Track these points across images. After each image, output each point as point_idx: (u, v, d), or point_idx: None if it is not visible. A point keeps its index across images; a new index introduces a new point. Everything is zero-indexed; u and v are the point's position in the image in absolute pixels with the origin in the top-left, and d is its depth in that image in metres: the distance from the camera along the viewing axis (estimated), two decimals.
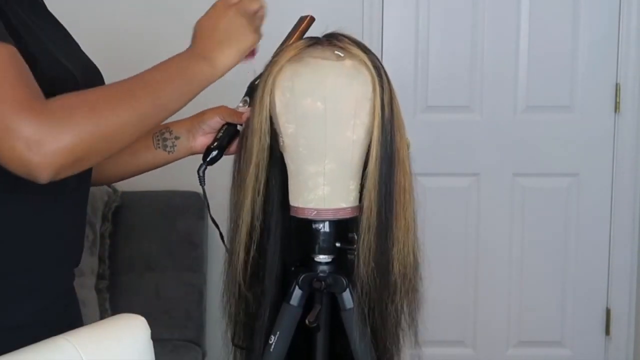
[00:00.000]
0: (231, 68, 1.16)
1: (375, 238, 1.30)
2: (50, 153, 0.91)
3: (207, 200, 1.37)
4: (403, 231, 1.32)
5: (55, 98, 0.95)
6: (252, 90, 1.34)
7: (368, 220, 1.30)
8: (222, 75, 1.16)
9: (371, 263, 1.30)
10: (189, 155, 1.38)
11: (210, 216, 1.38)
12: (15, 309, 1.09)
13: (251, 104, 1.33)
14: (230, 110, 1.37)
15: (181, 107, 1.09)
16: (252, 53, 1.21)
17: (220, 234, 1.39)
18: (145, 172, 1.40)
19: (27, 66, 0.96)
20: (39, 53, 1.04)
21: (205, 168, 1.35)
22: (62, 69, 1.08)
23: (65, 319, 1.17)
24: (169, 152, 1.36)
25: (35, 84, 0.95)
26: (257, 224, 1.33)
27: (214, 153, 1.33)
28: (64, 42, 1.17)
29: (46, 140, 0.91)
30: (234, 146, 1.36)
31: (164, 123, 1.22)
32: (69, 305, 1.22)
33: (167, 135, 1.35)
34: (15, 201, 1.06)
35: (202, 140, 1.36)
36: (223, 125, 1.36)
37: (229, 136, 1.35)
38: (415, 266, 1.35)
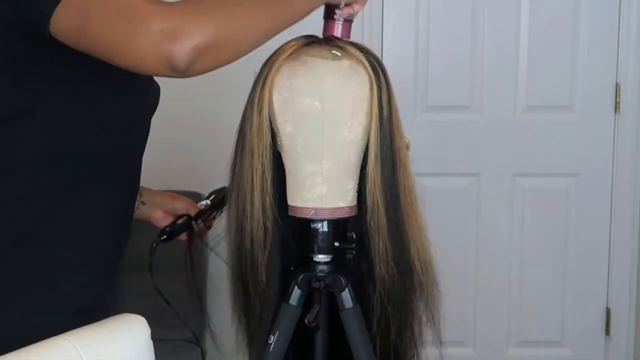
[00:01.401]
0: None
1: (390, 238, 1.31)
2: (186, 39, 0.94)
3: (152, 271, 1.43)
4: (416, 229, 1.34)
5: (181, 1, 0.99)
6: (216, 194, 1.48)
7: (376, 221, 1.30)
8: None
9: (390, 263, 1.30)
10: (144, 220, 1.47)
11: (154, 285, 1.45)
12: (88, 293, 1.16)
13: (213, 201, 1.48)
14: (195, 206, 1.47)
15: (298, 20, 1.12)
16: (348, 31, 1.27)
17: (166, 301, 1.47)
18: None
19: None
20: None
21: (157, 245, 1.44)
22: None
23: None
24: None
25: None
26: (269, 224, 1.34)
27: (165, 237, 1.45)
28: None
29: (180, 28, 0.94)
30: (183, 235, 1.48)
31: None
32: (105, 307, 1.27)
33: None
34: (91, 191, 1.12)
35: (160, 215, 1.46)
36: (184, 215, 1.46)
37: (183, 227, 1.46)
38: (433, 264, 1.37)
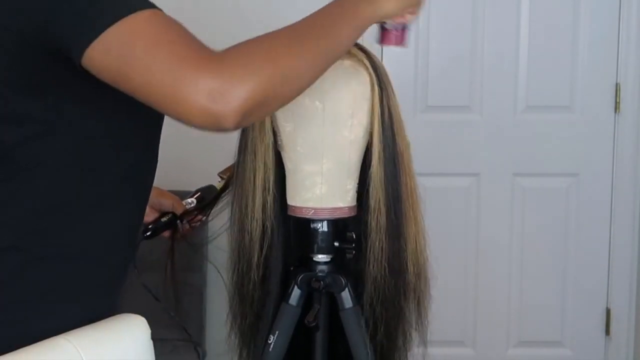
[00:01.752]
0: (388, 18, 1.18)
1: (387, 239, 1.31)
2: (234, 101, 0.92)
3: (137, 269, 1.39)
4: (415, 231, 1.34)
5: (228, 48, 0.97)
6: (202, 192, 1.49)
7: (377, 221, 1.30)
8: (379, 20, 1.17)
9: (384, 264, 1.30)
10: None
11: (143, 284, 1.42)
12: (103, 306, 1.13)
13: (200, 202, 1.48)
14: (181, 204, 1.47)
15: (347, 49, 1.12)
16: (402, 38, 1.24)
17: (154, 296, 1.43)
18: None
19: (183, 25, 0.98)
20: None
21: (139, 241, 1.40)
22: None
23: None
24: None
25: (200, 40, 0.97)
26: (269, 224, 1.34)
27: (148, 233, 1.44)
28: None
29: (228, 89, 0.92)
30: (166, 233, 1.47)
31: None
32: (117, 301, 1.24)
33: None
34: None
35: (147, 210, 1.40)
36: (168, 212, 1.46)
37: (167, 225, 1.46)
38: (427, 266, 1.37)
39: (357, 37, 1.11)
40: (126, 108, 1.06)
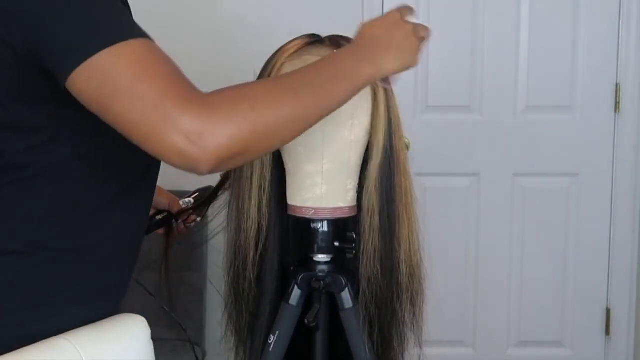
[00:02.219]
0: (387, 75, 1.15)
1: (380, 239, 1.31)
2: (211, 146, 0.90)
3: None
4: (408, 232, 1.34)
5: (214, 92, 0.95)
6: (200, 192, 1.49)
7: (370, 221, 1.30)
8: (379, 78, 1.15)
9: (377, 264, 1.31)
10: None
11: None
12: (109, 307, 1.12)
13: (197, 201, 1.48)
14: (177, 203, 1.47)
15: (340, 106, 1.08)
16: (389, 81, 1.22)
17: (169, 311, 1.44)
18: None
19: (172, 59, 0.96)
20: None
21: None
22: None
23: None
24: None
25: (186, 77, 0.95)
26: (264, 223, 1.34)
27: None
28: None
29: (207, 134, 0.90)
30: (161, 230, 1.48)
31: None
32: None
33: None
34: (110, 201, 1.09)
35: None
36: (164, 211, 1.46)
37: (161, 222, 1.46)
38: (420, 266, 1.37)
39: (353, 96, 1.08)
40: None
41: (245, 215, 1.34)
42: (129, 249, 1.17)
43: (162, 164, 1.21)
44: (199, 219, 1.52)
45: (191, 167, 0.92)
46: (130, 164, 1.11)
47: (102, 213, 1.09)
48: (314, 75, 1.04)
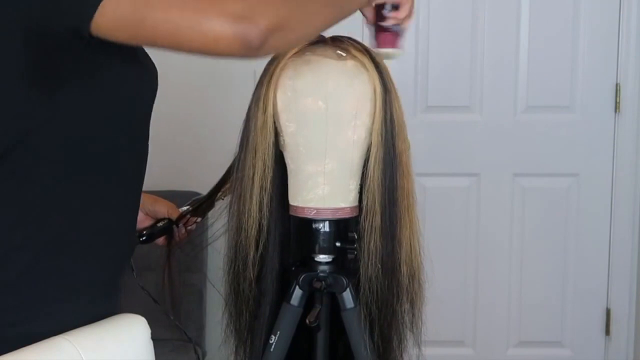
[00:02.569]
0: None
1: (381, 239, 1.31)
2: (259, 20, 0.97)
3: (135, 272, 1.42)
4: (409, 232, 1.33)
5: None
6: (196, 203, 1.49)
7: (371, 221, 1.30)
8: None
9: (377, 264, 1.30)
10: None
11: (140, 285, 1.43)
12: (101, 299, 1.13)
13: (195, 210, 1.49)
14: (176, 210, 1.48)
15: (349, 15, 1.17)
16: (398, 41, 1.27)
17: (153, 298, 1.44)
18: None
19: None
20: None
21: (136, 244, 1.40)
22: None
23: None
24: None
25: None
26: (265, 222, 1.34)
27: (144, 238, 1.44)
28: None
29: (251, 11, 0.97)
30: (162, 239, 1.47)
31: None
32: (117, 300, 1.23)
33: None
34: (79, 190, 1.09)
35: (141, 217, 1.42)
36: (164, 218, 1.46)
37: (163, 230, 1.46)
38: (421, 268, 1.36)
39: (360, 8, 1.20)
40: (120, 103, 1.08)
41: (246, 214, 1.34)
42: (119, 243, 1.18)
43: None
44: (199, 220, 1.52)
45: (243, 44, 0.97)
46: (116, 158, 1.12)
47: (87, 208, 1.10)
48: None
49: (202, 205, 1.50)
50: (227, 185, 1.45)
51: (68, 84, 1.04)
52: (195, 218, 1.51)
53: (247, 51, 0.98)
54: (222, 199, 1.47)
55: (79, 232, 1.09)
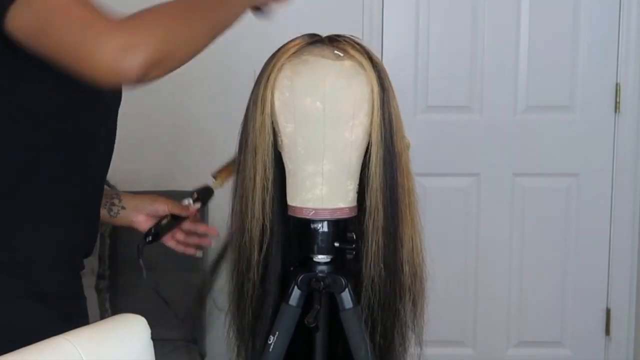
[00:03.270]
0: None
1: (383, 238, 1.31)
2: (138, 54, 1.00)
3: (144, 270, 1.40)
4: (411, 231, 1.34)
5: (129, 15, 1.04)
6: (200, 192, 1.48)
7: (374, 222, 1.30)
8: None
9: (380, 264, 1.31)
10: (127, 225, 1.45)
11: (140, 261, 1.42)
12: (47, 281, 1.16)
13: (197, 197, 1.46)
14: (177, 204, 1.46)
15: (233, 24, 1.16)
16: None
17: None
18: None
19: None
20: None
21: (143, 247, 1.40)
22: None
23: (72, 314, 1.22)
24: (111, 215, 1.43)
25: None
26: (268, 223, 1.34)
27: (150, 238, 1.41)
28: None
29: (134, 43, 1.00)
30: (168, 237, 1.46)
31: (117, 192, 1.41)
32: (75, 298, 1.25)
33: (115, 202, 1.42)
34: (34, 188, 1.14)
35: (143, 219, 1.43)
36: (167, 215, 1.44)
37: (168, 226, 1.44)
38: (423, 266, 1.37)
39: (244, 13, 1.17)
40: (56, 78, 1.10)
41: (249, 215, 1.34)
42: (62, 222, 1.20)
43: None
44: (199, 205, 1.50)
45: (120, 77, 1.01)
46: (53, 134, 1.15)
47: (27, 184, 1.14)
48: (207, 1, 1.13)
49: (203, 195, 1.49)
50: (225, 168, 1.44)
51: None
52: (197, 208, 1.49)
53: (126, 83, 1.03)
54: (221, 186, 1.46)
55: (17, 210, 1.13)
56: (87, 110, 1.20)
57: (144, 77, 1.02)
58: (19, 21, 1.03)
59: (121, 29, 1.01)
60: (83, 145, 1.21)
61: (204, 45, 1.11)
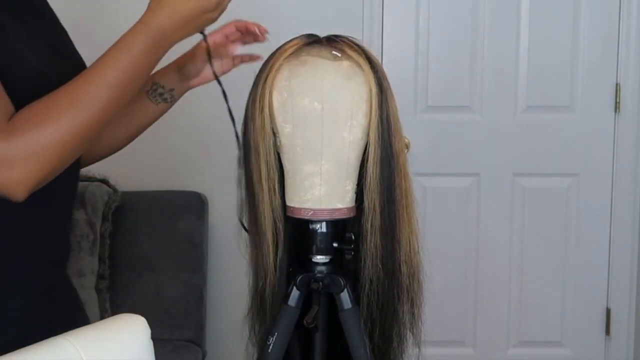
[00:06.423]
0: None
1: (381, 239, 1.31)
2: (23, 172, 0.94)
3: (210, 60, 1.35)
4: (408, 232, 1.34)
5: (18, 114, 0.97)
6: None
7: (372, 222, 1.30)
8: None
9: (378, 264, 1.30)
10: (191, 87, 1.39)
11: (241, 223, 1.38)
12: (3, 305, 1.10)
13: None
14: (199, 46, 1.37)
15: (139, 88, 1.09)
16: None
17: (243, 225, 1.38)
18: (148, 127, 1.39)
19: None
20: (8, 59, 1.03)
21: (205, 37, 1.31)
22: (34, 73, 1.06)
23: (63, 315, 1.18)
24: (169, 101, 1.36)
25: (1, 101, 0.96)
26: (280, 225, 1.34)
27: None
28: (52, 39, 1.16)
29: (16, 161, 0.93)
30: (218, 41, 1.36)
31: (153, 80, 1.30)
32: (65, 301, 1.21)
33: (160, 90, 1.35)
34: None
35: (198, 78, 1.38)
36: (206, 47, 1.35)
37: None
38: (420, 267, 1.36)
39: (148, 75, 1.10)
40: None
41: (262, 217, 1.33)
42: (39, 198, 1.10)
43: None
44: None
45: (7, 193, 0.95)
46: None
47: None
48: (104, 71, 1.03)
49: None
50: None
51: None
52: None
53: (11, 197, 0.96)
54: None
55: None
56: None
57: (32, 190, 0.96)
58: None
59: (2, 140, 0.93)
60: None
61: (105, 124, 1.03)
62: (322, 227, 1.35)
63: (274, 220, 1.33)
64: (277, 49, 1.32)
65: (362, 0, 2.77)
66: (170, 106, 1.37)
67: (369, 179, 1.31)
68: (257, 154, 1.31)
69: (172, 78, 1.36)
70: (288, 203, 1.35)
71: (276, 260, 1.34)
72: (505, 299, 2.91)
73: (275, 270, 1.35)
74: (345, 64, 1.29)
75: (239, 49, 1.41)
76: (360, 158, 1.33)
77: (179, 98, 1.38)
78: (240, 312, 1.43)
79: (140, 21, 1.09)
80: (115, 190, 2.57)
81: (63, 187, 1.14)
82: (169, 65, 1.36)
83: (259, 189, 1.32)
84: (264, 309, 1.38)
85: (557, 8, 2.81)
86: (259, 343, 1.40)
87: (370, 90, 1.29)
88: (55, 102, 1.00)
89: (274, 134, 1.32)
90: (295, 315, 1.36)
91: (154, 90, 1.34)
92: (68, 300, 1.23)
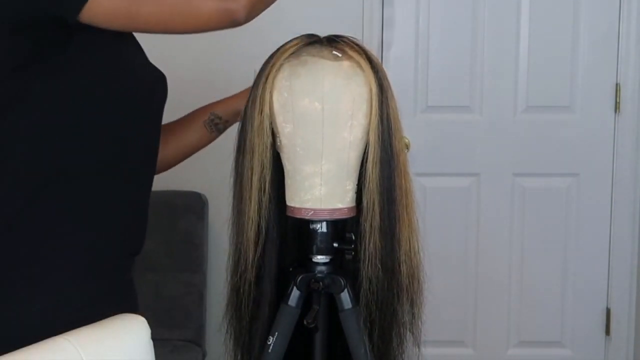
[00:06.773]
0: None
1: (381, 239, 1.31)
2: (244, 1, 1.16)
3: None
4: (408, 232, 1.34)
5: None
6: None
7: (371, 222, 1.30)
8: None
9: (377, 264, 1.30)
10: None
11: None
12: (77, 289, 1.15)
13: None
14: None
15: None
16: None
17: None
18: (196, 152, 1.51)
19: None
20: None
21: None
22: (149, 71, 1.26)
23: (124, 303, 1.22)
24: (221, 132, 1.48)
25: None
26: (264, 224, 1.34)
27: None
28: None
29: None
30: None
31: (210, 109, 1.46)
32: (127, 290, 1.26)
33: (216, 121, 1.45)
34: (86, 184, 1.16)
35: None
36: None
37: None
38: (420, 267, 1.36)
39: None
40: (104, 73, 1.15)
41: (245, 216, 1.34)
42: (88, 230, 1.19)
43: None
44: None
45: (231, 19, 1.16)
46: (83, 140, 1.17)
47: (47, 187, 1.14)
48: None
49: None
50: None
51: (45, 68, 1.10)
52: None
53: (235, 24, 1.17)
54: None
55: (38, 217, 1.13)
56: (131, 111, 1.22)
57: (248, 15, 1.16)
58: (106, 4, 1.09)
59: None
60: (123, 146, 1.22)
61: None
62: (322, 227, 1.35)
63: (259, 219, 1.33)
64: (278, 49, 1.32)
65: (362, 0, 2.77)
66: (219, 135, 1.48)
67: (368, 179, 1.31)
68: (252, 153, 1.32)
69: (230, 112, 1.45)
70: (288, 203, 1.35)
71: (255, 258, 1.34)
72: (505, 299, 2.91)
73: (253, 268, 1.35)
74: (346, 64, 1.29)
75: None
76: (361, 158, 1.33)
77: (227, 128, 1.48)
78: None
79: None
80: None
81: (146, 186, 1.28)
82: (230, 99, 1.46)
83: (247, 186, 1.33)
84: (239, 306, 1.38)
85: (557, 8, 2.81)
86: (237, 337, 1.41)
87: (371, 91, 1.29)
88: None
89: (274, 134, 1.32)
90: (295, 315, 1.36)
91: (211, 121, 1.45)
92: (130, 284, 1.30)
